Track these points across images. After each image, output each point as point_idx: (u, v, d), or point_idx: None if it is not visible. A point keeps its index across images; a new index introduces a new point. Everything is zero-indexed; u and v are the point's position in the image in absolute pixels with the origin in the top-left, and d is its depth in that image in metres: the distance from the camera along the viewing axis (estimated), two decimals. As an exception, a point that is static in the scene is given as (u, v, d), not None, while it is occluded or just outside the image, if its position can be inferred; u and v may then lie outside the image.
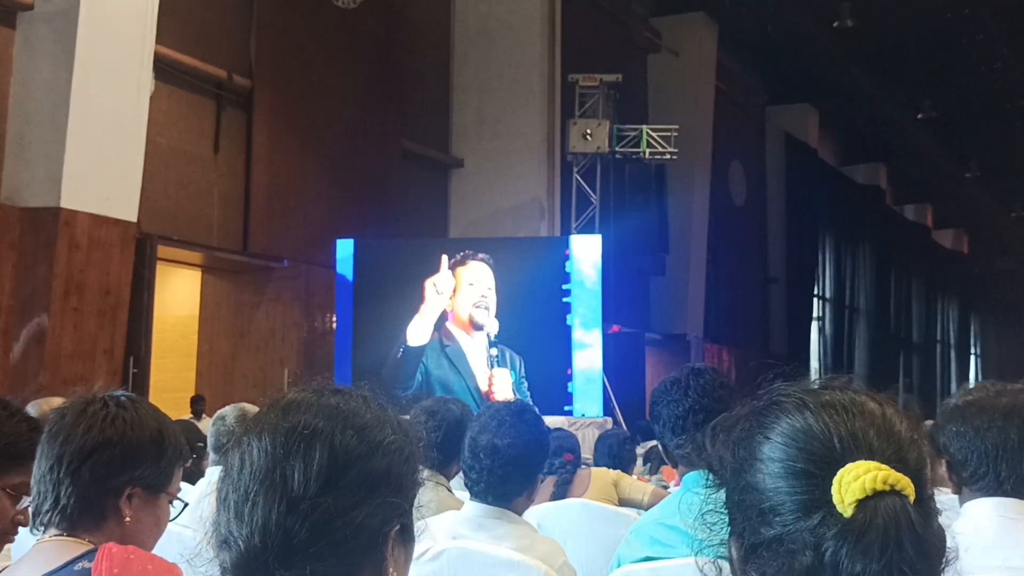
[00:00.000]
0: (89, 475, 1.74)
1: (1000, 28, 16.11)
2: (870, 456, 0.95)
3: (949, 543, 1.01)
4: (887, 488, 0.93)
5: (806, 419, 0.99)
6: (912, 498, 0.94)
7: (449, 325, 9.75)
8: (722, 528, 1.03)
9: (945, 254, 30.17)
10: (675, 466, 2.66)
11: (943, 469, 2.08)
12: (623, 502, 4.71)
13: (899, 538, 0.91)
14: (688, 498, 2.40)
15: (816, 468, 0.96)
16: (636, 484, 4.98)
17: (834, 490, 0.94)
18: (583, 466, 5.03)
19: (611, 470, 5.05)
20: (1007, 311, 32.40)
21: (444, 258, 9.73)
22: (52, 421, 1.80)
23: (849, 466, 0.94)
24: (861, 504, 0.93)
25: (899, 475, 0.94)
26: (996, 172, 23.67)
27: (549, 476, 4.78)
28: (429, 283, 9.66)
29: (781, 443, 0.99)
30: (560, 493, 4.65)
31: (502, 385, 9.50)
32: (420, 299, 9.73)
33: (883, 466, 0.94)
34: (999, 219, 28.80)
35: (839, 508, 0.93)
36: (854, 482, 0.93)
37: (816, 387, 1.04)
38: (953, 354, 31.41)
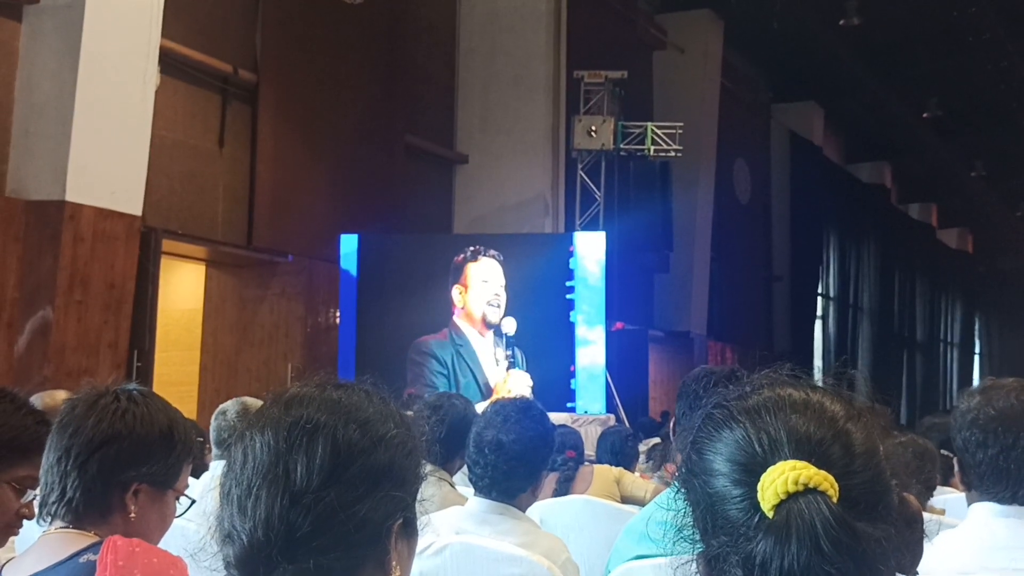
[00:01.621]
0: (96, 468, 1.74)
1: (1007, 27, 16.06)
2: (793, 455, 0.95)
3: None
4: (801, 488, 0.92)
5: (733, 430, 0.99)
6: (834, 495, 0.93)
7: (458, 320, 9.74)
8: (697, 545, 1.03)
9: (949, 253, 30.12)
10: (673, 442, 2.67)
11: (955, 477, 2.07)
12: (625, 499, 4.72)
13: (815, 538, 0.90)
14: (658, 514, 2.40)
15: (747, 476, 0.96)
16: (638, 481, 4.98)
17: (759, 497, 0.94)
18: (585, 463, 5.03)
19: (613, 467, 5.06)
20: (1011, 310, 32.35)
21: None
22: (63, 412, 1.80)
23: (770, 470, 0.94)
24: (779, 507, 0.93)
25: (815, 472, 0.93)
26: (1002, 171, 23.63)
27: (551, 473, 4.78)
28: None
29: (715, 457, 0.99)
30: (562, 490, 4.65)
31: (519, 387, 9.42)
32: (424, 296, 9.73)
33: (800, 465, 0.93)
34: (1004, 218, 28.75)
35: (767, 514, 0.93)
36: (769, 487, 0.93)
37: (746, 390, 1.04)
38: (956, 353, 31.37)
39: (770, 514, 0.93)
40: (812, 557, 0.90)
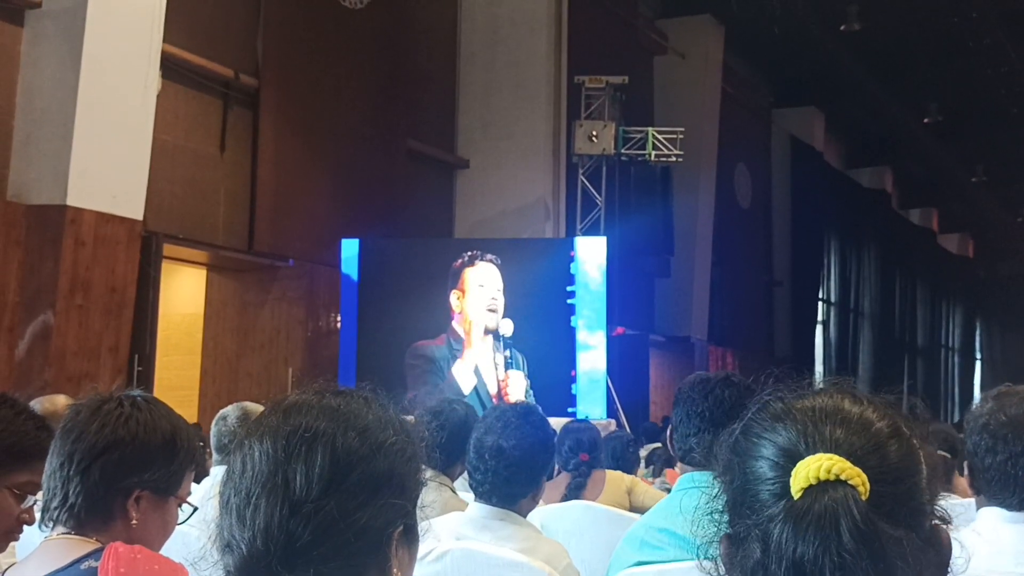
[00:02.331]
0: (99, 474, 1.74)
1: (1007, 32, 16.08)
2: (834, 451, 0.98)
3: (955, 555, 1.01)
4: (833, 478, 0.95)
5: (784, 422, 1.03)
6: (864, 492, 0.95)
7: (456, 325, 9.75)
8: (723, 526, 1.06)
9: (950, 258, 30.12)
10: (674, 453, 2.67)
11: (964, 478, 2.07)
12: (635, 509, 4.67)
13: (836, 526, 0.93)
14: (688, 498, 2.41)
15: (785, 462, 0.99)
16: (651, 492, 4.93)
17: (791, 480, 0.97)
18: (599, 468, 4.93)
19: (626, 475, 5.02)
20: (1012, 315, 32.32)
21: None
22: (67, 418, 1.80)
23: (808, 458, 0.97)
24: (807, 491, 0.95)
25: (849, 467, 0.96)
26: (1002, 176, 23.65)
27: (564, 473, 4.74)
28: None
29: (761, 442, 1.03)
30: (573, 496, 4.59)
31: (516, 388, 9.43)
32: (424, 301, 9.73)
33: (836, 457, 0.96)
34: (1005, 223, 28.76)
35: (794, 495, 0.96)
36: (802, 471, 0.96)
37: (802, 390, 1.08)
38: (957, 358, 31.34)
39: (796, 495, 0.96)
40: (829, 544, 0.93)
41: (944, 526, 1.02)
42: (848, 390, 1.07)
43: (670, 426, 2.67)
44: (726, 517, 1.05)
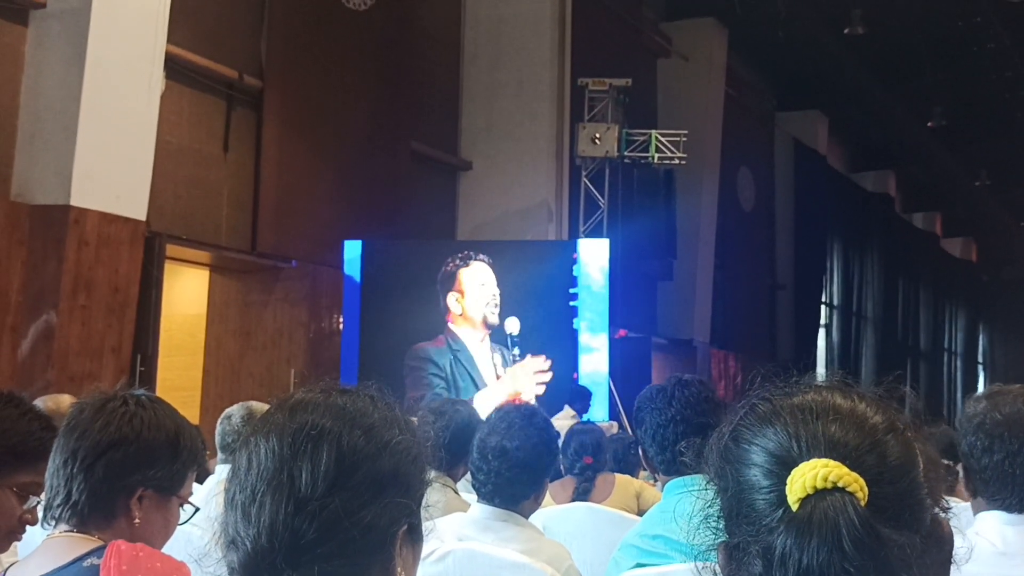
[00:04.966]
0: (103, 472, 1.74)
1: (1011, 37, 16.06)
2: (829, 454, 0.95)
3: (957, 546, 1.00)
4: (830, 486, 0.92)
5: (774, 425, 0.99)
6: (863, 497, 0.92)
7: (453, 326, 9.75)
8: (720, 534, 1.03)
9: (953, 262, 30.09)
10: (654, 473, 2.67)
11: (959, 481, 2.06)
12: (643, 513, 4.65)
13: (838, 537, 0.90)
14: (680, 504, 2.40)
15: (779, 469, 0.96)
16: (660, 497, 4.90)
17: (787, 489, 0.94)
18: (605, 471, 4.89)
19: (635, 480, 5.00)
20: (1015, 320, 32.28)
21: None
22: (70, 415, 1.80)
23: (802, 465, 0.94)
24: (804, 501, 0.93)
25: (846, 472, 0.93)
26: (1006, 181, 23.60)
27: (569, 476, 4.72)
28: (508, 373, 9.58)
29: (752, 448, 0.99)
30: (580, 500, 4.56)
31: (526, 383, 9.40)
32: (427, 302, 9.72)
33: (832, 463, 0.93)
34: (1008, 228, 28.72)
35: (792, 506, 0.93)
36: (798, 480, 0.93)
37: (789, 389, 1.04)
38: (960, 363, 31.31)
39: (795, 507, 0.93)
40: (832, 555, 0.90)
41: (943, 515, 1.00)
42: (837, 385, 1.03)
43: (640, 448, 2.67)
44: (722, 524, 1.01)
